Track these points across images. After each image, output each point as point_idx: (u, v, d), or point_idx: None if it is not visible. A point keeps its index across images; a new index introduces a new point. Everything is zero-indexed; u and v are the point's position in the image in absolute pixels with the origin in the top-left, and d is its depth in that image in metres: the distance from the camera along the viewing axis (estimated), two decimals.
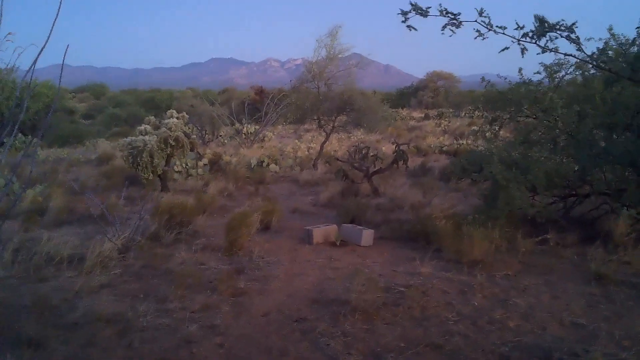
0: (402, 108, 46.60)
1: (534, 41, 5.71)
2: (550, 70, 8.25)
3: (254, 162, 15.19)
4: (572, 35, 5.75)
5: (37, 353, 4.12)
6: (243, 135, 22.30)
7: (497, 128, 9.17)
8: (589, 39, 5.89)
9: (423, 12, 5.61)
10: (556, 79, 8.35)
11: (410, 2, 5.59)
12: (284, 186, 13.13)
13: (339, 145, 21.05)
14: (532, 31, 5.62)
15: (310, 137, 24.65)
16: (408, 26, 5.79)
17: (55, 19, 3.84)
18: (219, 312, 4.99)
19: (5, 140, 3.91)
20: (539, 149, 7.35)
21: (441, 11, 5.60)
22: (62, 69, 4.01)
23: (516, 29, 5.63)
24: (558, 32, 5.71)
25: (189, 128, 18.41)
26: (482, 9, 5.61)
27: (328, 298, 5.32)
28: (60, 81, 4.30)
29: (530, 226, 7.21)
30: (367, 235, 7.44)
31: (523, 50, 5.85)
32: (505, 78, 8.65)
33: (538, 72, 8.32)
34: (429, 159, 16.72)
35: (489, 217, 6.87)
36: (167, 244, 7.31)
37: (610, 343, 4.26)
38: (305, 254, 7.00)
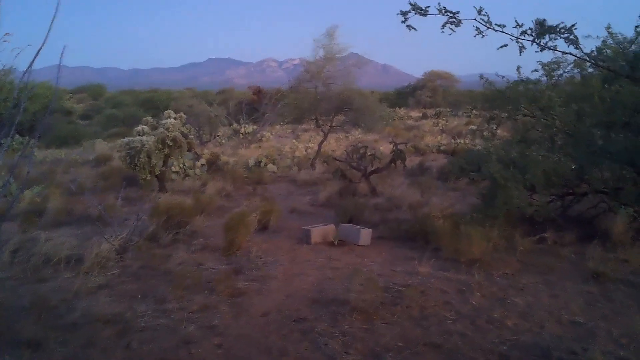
0: (400, 108, 46.63)
1: (532, 39, 5.72)
2: (549, 68, 8.27)
3: (251, 162, 15.18)
4: (571, 36, 5.77)
5: (36, 354, 4.12)
6: (241, 135, 22.31)
7: (494, 127, 9.19)
8: (587, 37, 5.91)
9: (422, 12, 5.63)
10: (554, 78, 8.37)
11: (409, 1, 5.60)
12: (282, 186, 13.13)
13: (336, 145, 21.06)
14: (530, 29, 5.64)
15: (308, 137, 24.64)
16: (408, 26, 5.81)
17: (52, 20, 3.83)
18: (218, 312, 4.99)
19: (2, 141, 3.91)
20: (537, 148, 7.35)
21: (440, 10, 5.62)
22: (59, 70, 4.01)
23: (515, 27, 5.65)
24: (558, 34, 5.73)
25: (187, 128, 18.39)
26: (481, 7, 5.63)
27: (327, 298, 5.32)
28: (57, 82, 4.29)
29: (529, 225, 7.22)
30: (365, 235, 7.44)
31: (521, 48, 5.86)
32: (504, 77, 8.66)
33: (536, 70, 8.34)
34: (427, 159, 16.73)
35: (487, 216, 6.88)
36: (165, 244, 7.30)
37: (609, 341, 4.28)
38: (303, 254, 7.00)
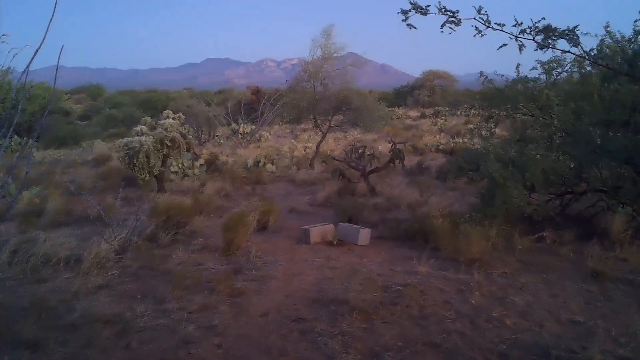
0: (399, 107, 46.63)
1: (532, 37, 5.73)
2: (548, 67, 8.28)
3: (250, 162, 15.17)
4: (573, 37, 5.78)
5: (35, 354, 4.12)
6: (239, 135, 22.29)
7: (493, 126, 9.20)
8: (585, 34, 5.92)
9: (423, 11, 5.65)
10: (553, 76, 8.38)
11: (409, 1, 5.62)
12: (281, 186, 13.13)
13: (335, 144, 21.06)
14: (530, 27, 5.65)
15: (306, 137, 24.64)
16: (408, 25, 5.83)
17: (50, 21, 3.83)
18: (217, 312, 4.99)
19: (1, 142, 3.90)
20: (536, 147, 7.36)
21: (440, 9, 5.63)
22: (57, 70, 4.01)
23: (514, 25, 5.66)
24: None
25: (186, 128, 18.40)
26: (480, 6, 5.64)
27: (326, 298, 5.32)
28: (55, 82, 4.29)
29: (527, 224, 7.23)
30: (364, 235, 7.44)
31: (521, 46, 5.87)
32: (502, 75, 8.67)
33: (534, 69, 8.35)
34: (426, 158, 16.73)
35: (486, 215, 6.89)
36: (164, 244, 7.30)
37: (608, 340, 4.28)
38: (302, 254, 7.00)
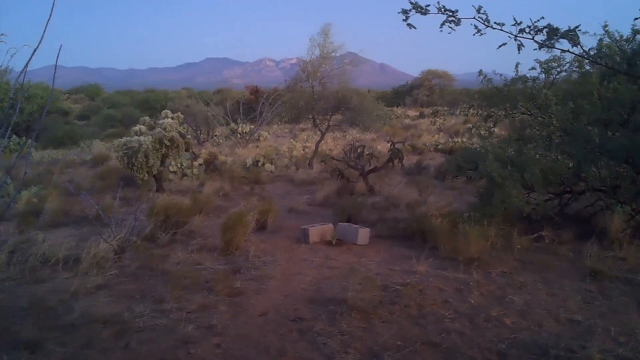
0: (397, 107, 46.67)
1: (531, 37, 5.73)
2: (546, 66, 8.28)
3: (249, 161, 15.17)
4: (574, 37, 5.79)
5: (34, 355, 4.11)
6: (238, 135, 22.28)
7: (491, 125, 9.20)
8: (584, 33, 5.92)
9: (423, 11, 5.65)
10: (552, 76, 8.39)
11: (410, 0, 5.62)
12: (280, 186, 13.13)
13: (334, 144, 21.06)
14: (529, 26, 5.65)
15: (305, 136, 24.64)
16: (408, 24, 5.84)
17: (48, 21, 3.83)
18: (216, 312, 4.99)
19: None
20: (534, 146, 7.37)
21: (439, 9, 5.64)
22: (55, 70, 4.00)
23: (513, 25, 5.66)
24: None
25: (184, 128, 18.38)
26: (480, 6, 5.65)
27: (325, 297, 5.32)
28: (53, 82, 4.29)
29: (526, 223, 7.24)
30: (363, 234, 7.44)
31: (520, 46, 5.88)
32: (501, 75, 8.67)
33: (533, 68, 8.35)
34: (425, 157, 16.74)
35: (485, 214, 6.90)
36: (163, 244, 7.30)
37: (607, 339, 4.29)
38: (301, 253, 7.00)
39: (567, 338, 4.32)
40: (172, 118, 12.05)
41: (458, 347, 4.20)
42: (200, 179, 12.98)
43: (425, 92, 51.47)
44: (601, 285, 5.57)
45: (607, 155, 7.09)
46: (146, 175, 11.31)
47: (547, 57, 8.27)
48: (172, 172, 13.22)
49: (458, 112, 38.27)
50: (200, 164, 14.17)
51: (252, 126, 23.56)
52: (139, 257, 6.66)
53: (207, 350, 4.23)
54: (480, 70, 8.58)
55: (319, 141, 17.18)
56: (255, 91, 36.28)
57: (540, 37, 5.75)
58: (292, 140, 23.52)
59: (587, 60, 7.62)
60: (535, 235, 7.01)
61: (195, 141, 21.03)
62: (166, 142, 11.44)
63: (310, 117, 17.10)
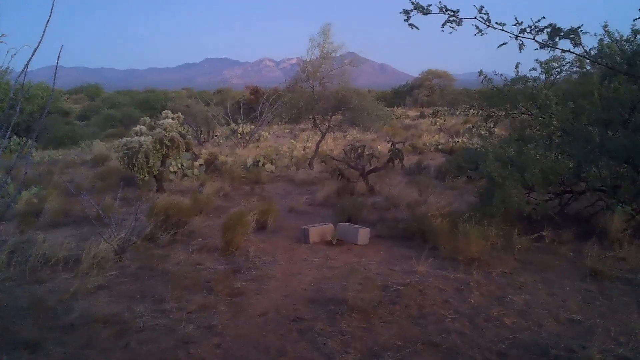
0: (398, 107, 46.69)
1: (532, 37, 5.73)
2: (547, 66, 8.28)
3: (249, 162, 15.17)
4: (576, 37, 5.79)
5: (34, 355, 4.11)
6: (239, 135, 22.28)
7: (492, 125, 9.20)
8: (584, 33, 5.92)
9: (425, 11, 5.66)
10: (552, 76, 8.39)
11: (411, 0, 5.63)
12: (280, 186, 13.13)
13: (334, 144, 21.06)
14: (530, 26, 5.65)
15: (305, 137, 24.65)
16: (410, 25, 5.84)
17: (47, 21, 3.83)
18: (216, 312, 4.99)
19: None
20: (534, 146, 7.37)
21: (441, 8, 5.64)
22: (56, 70, 4.01)
23: (515, 24, 5.66)
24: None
25: (185, 128, 18.39)
26: (481, 6, 5.65)
27: (325, 297, 5.32)
28: (54, 82, 4.29)
29: (526, 223, 7.24)
30: (363, 234, 7.44)
31: (521, 46, 5.88)
32: (501, 75, 8.68)
33: (534, 69, 8.35)
34: (425, 157, 16.74)
35: (485, 214, 6.89)
36: (163, 244, 7.30)
37: (607, 339, 4.28)
38: (301, 254, 7.00)
39: (567, 338, 4.32)
40: (172, 118, 12.06)
41: (458, 347, 4.20)
42: (200, 179, 12.99)
43: (426, 92, 51.48)
44: (601, 285, 5.57)
45: (608, 155, 7.08)
46: (146, 175, 11.31)
47: (548, 57, 8.28)
48: (172, 172, 13.22)
49: (458, 112, 38.29)
50: (200, 164, 14.17)
51: (253, 126, 23.56)
52: (139, 258, 6.66)
53: (207, 350, 4.23)
54: (481, 70, 8.59)
55: (319, 141, 17.18)
56: (256, 91, 36.29)
57: (541, 37, 5.74)
58: (292, 140, 23.53)
59: (587, 60, 7.62)
60: (536, 235, 7.01)
61: (196, 141, 21.03)
62: (166, 142, 11.44)
63: (311, 117, 17.10)
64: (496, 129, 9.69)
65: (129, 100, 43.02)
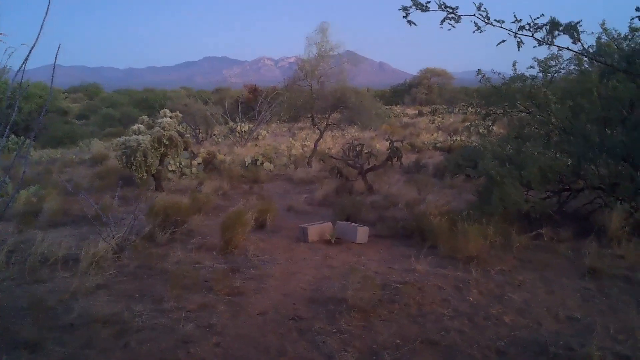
0: (396, 105, 46.70)
1: (531, 34, 5.73)
2: (545, 64, 8.29)
3: (248, 160, 15.17)
4: (575, 34, 5.80)
5: (34, 355, 4.11)
6: (237, 133, 22.27)
7: (490, 123, 9.21)
8: (582, 32, 5.92)
9: (423, 7, 5.66)
10: (550, 74, 8.39)
11: None
12: (279, 184, 13.13)
13: (333, 143, 21.07)
14: (529, 24, 5.65)
15: (304, 135, 24.65)
16: (409, 21, 5.84)
17: (44, 19, 3.82)
18: (216, 311, 4.98)
19: None
20: (533, 144, 7.38)
21: (440, 5, 5.64)
22: (54, 69, 4.00)
23: (513, 22, 5.66)
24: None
25: (183, 127, 18.36)
26: (480, 3, 5.65)
27: (324, 296, 5.32)
28: (52, 81, 4.28)
29: (525, 221, 7.25)
30: (362, 233, 7.44)
31: (520, 43, 5.88)
32: (500, 73, 8.68)
33: (531, 67, 8.35)
34: (423, 156, 16.75)
35: (484, 213, 6.90)
36: (162, 243, 7.29)
37: (606, 337, 4.29)
38: (300, 252, 7.00)
39: (566, 336, 4.33)
40: (170, 117, 12.04)
41: (457, 346, 4.21)
42: (199, 178, 12.98)
43: (424, 91, 51.51)
44: (600, 283, 5.58)
45: (606, 153, 7.09)
46: (145, 174, 11.31)
47: (546, 55, 8.29)
48: (171, 171, 13.22)
49: (457, 110, 38.31)
50: (199, 163, 14.17)
51: (251, 125, 23.55)
52: (138, 257, 6.65)
53: (206, 349, 4.23)
54: (479, 69, 8.59)
55: (318, 140, 17.18)
56: (254, 90, 36.25)
57: (540, 35, 5.74)
58: (290, 139, 23.53)
59: (586, 58, 7.62)
60: (534, 233, 7.01)
61: (194, 140, 21.03)
62: (165, 141, 11.43)
63: (309, 115, 17.10)
64: (494, 127, 9.70)
65: (127, 99, 43.01)
